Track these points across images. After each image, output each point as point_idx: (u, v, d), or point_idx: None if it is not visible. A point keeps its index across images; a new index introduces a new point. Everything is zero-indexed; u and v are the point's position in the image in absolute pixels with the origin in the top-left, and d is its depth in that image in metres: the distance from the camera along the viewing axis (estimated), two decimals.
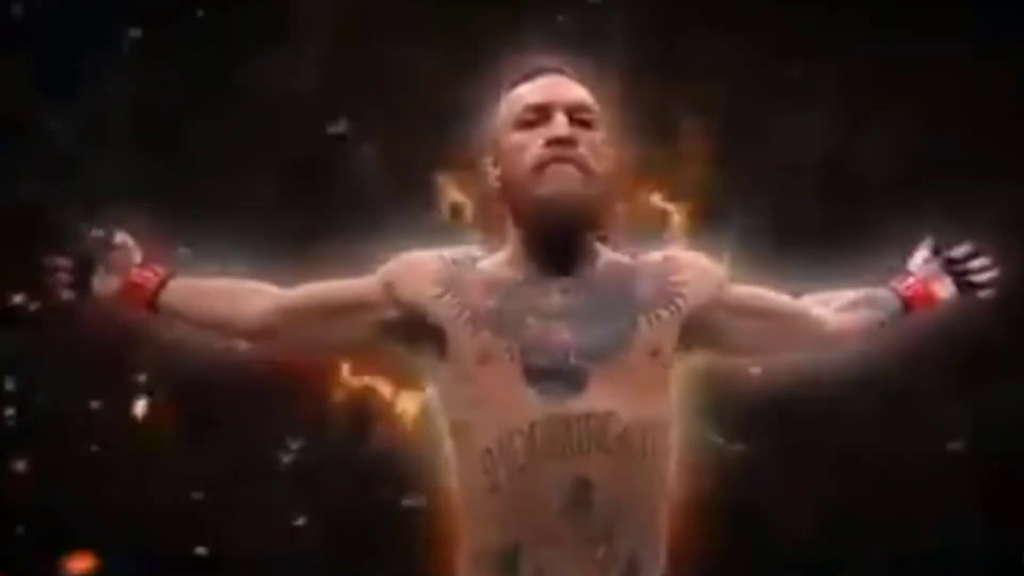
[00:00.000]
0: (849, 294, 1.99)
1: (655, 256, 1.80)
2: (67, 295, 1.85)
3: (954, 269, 2.02)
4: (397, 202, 3.11)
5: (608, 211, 1.83)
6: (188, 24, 3.20)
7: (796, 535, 3.37)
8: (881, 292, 2.02)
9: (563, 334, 1.66)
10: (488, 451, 1.64)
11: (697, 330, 1.77)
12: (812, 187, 3.47)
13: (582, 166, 1.68)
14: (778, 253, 2.97)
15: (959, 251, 2.03)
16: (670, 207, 3.06)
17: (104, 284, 1.83)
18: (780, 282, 1.93)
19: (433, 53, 3.29)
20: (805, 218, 3.44)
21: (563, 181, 1.67)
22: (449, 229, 3.20)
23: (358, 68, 3.29)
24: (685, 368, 1.81)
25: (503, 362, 1.65)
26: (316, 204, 3.22)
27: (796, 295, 1.94)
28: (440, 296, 1.70)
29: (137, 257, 1.84)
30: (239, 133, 3.15)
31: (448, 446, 1.73)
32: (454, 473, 1.71)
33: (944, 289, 2.02)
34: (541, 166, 1.68)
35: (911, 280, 2.02)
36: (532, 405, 1.63)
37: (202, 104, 3.14)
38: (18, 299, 3.54)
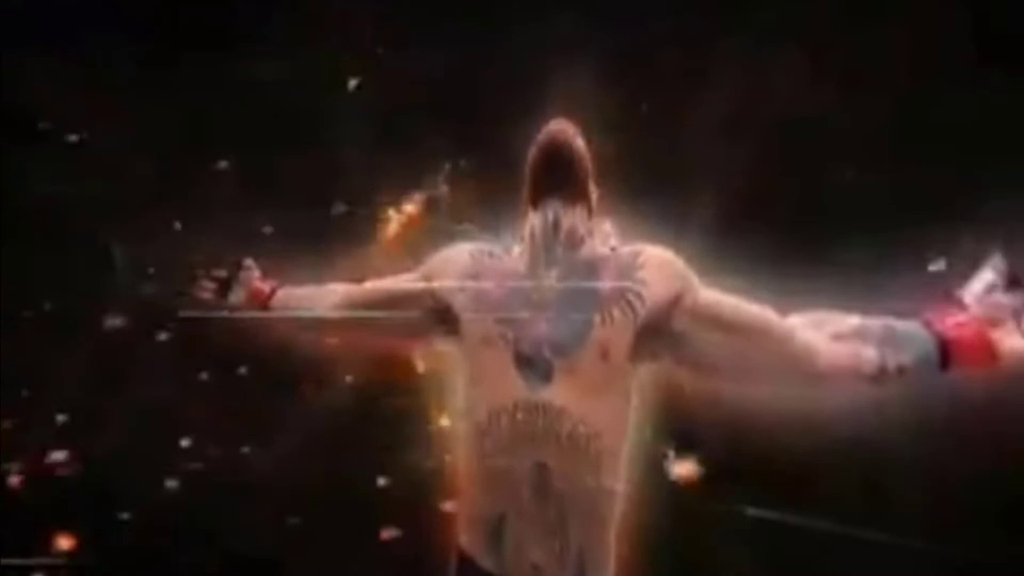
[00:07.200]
0: (853, 320, 1.71)
1: (626, 249, 1.94)
2: (209, 300, 2.49)
3: None
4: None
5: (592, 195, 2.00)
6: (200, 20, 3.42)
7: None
8: (909, 327, 1.62)
9: (541, 326, 1.91)
10: (479, 425, 1.91)
11: (660, 336, 1.88)
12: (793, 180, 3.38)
13: (575, 135, 1.99)
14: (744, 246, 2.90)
15: None
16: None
17: (235, 293, 2.48)
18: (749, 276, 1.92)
19: (438, 52, 3.39)
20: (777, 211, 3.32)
21: (557, 132, 1.99)
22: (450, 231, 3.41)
23: (361, 67, 3.44)
24: (652, 379, 1.91)
25: (499, 346, 1.91)
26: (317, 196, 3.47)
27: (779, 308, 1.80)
28: (462, 286, 2.00)
29: (257, 273, 2.48)
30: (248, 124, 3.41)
31: (456, 418, 2.04)
32: (458, 442, 2.00)
33: (1017, 338, 1.48)
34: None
35: (962, 317, 1.50)
36: (516, 387, 1.89)
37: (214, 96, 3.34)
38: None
